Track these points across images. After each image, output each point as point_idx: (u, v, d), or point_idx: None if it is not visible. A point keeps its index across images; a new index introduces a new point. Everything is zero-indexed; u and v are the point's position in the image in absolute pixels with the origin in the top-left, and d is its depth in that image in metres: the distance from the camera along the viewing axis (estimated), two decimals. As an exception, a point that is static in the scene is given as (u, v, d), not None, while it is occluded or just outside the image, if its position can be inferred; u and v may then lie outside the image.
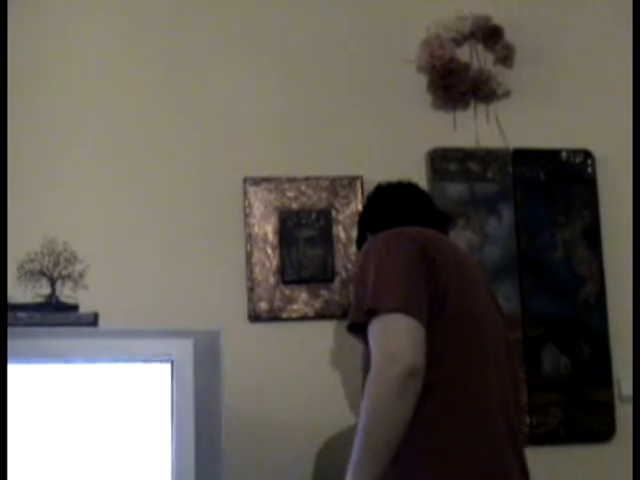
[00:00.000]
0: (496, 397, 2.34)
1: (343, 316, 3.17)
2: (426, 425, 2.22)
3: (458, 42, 3.47)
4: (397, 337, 2.19)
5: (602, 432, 3.38)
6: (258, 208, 3.30)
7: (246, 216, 3.29)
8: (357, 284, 2.37)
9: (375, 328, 2.24)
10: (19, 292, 2.63)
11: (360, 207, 3.29)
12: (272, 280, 3.27)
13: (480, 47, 3.50)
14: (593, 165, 3.51)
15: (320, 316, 3.27)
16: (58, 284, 2.68)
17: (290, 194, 3.33)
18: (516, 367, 2.59)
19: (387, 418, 2.17)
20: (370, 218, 2.79)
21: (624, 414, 3.39)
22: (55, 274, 2.68)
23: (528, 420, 3.27)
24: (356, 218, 3.32)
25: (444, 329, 2.28)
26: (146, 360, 2.46)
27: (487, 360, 2.36)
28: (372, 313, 2.26)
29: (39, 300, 2.66)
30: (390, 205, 2.75)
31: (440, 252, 2.37)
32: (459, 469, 2.22)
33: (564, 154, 3.51)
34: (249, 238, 3.28)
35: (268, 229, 3.30)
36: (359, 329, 2.32)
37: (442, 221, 2.73)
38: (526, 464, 2.41)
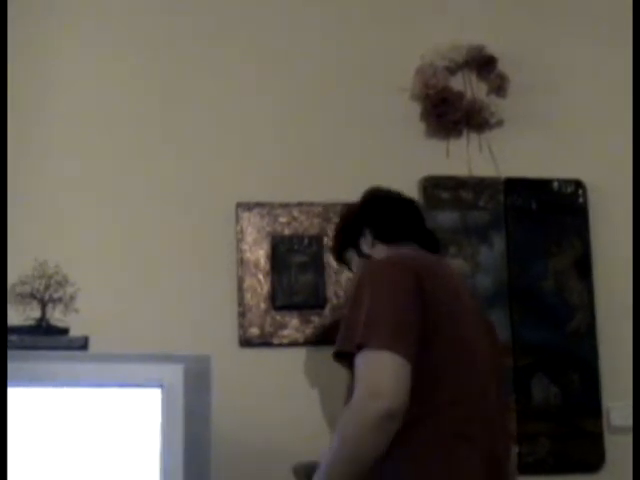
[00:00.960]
0: (479, 426, 2.34)
1: (334, 342, 3.17)
2: (407, 455, 2.23)
3: (452, 71, 3.49)
4: (380, 375, 2.20)
5: (591, 462, 3.37)
6: (250, 233, 3.30)
7: (238, 241, 3.29)
8: (349, 312, 2.36)
9: (361, 361, 2.24)
10: (10, 315, 2.62)
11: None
12: (263, 305, 3.27)
13: (474, 76, 3.52)
14: (584, 195, 3.52)
15: (311, 342, 3.27)
16: (49, 307, 2.68)
17: (282, 220, 3.33)
18: (504, 396, 2.58)
19: (357, 451, 2.21)
20: (368, 223, 2.72)
21: (613, 444, 3.38)
22: (46, 297, 2.68)
23: (517, 449, 3.26)
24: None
25: (432, 360, 2.28)
26: (136, 385, 2.45)
27: (474, 390, 2.36)
28: (361, 346, 2.26)
29: (30, 323, 2.65)
30: (391, 217, 2.71)
31: (435, 281, 2.37)
32: None
33: (556, 184, 3.52)
34: (241, 263, 3.28)
35: (260, 254, 3.30)
36: (345, 357, 2.33)
37: (434, 242, 2.73)
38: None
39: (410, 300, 2.29)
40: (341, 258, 2.84)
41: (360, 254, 2.71)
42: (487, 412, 2.37)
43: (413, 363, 2.22)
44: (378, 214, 2.71)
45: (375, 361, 2.22)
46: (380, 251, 2.63)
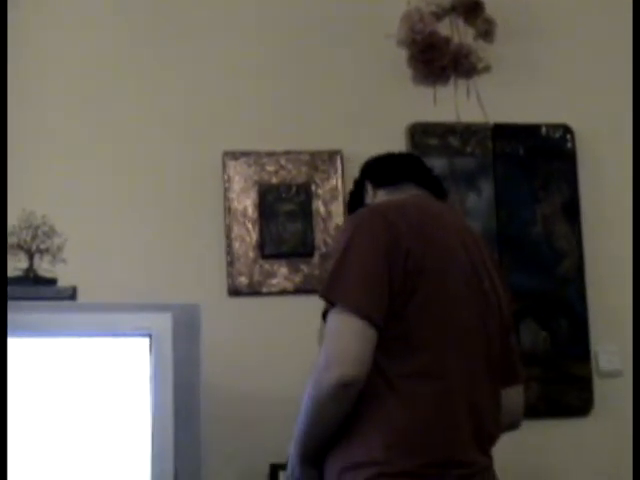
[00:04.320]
0: (460, 387, 2.24)
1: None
2: (384, 417, 2.21)
3: (438, 16, 3.45)
4: (339, 343, 2.16)
5: (580, 406, 3.39)
6: (238, 182, 3.29)
7: (225, 190, 3.28)
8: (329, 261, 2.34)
9: (329, 323, 2.19)
10: (-3, 266, 2.61)
11: (340, 182, 3.30)
12: (252, 255, 3.26)
13: (461, 21, 3.48)
14: (572, 140, 3.51)
15: (300, 290, 3.27)
16: (36, 258, 2.67)
17: (270, 168, 3.32)
18: (497, 366, 2.38)
19: (318, 420, 2.22)
20: (367, 176, 2.61)
21: (602, 388, 3.40)
22: (33, 248, 2.67)
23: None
24: (336, 193, 3.32)
25: (407, 322, 2.21)
26: (125, 334, 2.45)
27: (454, 365, 2.25)
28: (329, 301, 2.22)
29: (17, 274, 2.64)
30: (386, 162, 2.61)
31: (419, 239, 2.25)
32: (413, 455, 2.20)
33: (544, 129, 3.51)
34: (228, 212, 3.27)
35: (247, 203, 3.29)
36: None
37: (440, 187, 2.61)
38: (486, 444, 2.31)
39: (382, 262, 2.19)
40: None
41: None
42: (473, 396, 2.27)
43: (379, 326, 2.16)
44: (374, 163, 2.66)
45: (337, 326, 2.17)
46: (380, 198, 2.54)
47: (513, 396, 2.46)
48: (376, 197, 2.55)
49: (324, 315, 2.25)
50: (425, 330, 2.23)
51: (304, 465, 2.30)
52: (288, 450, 2.32)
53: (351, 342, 2.15)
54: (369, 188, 2.57)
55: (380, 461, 2.16)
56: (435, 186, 2.58)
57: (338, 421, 2.21)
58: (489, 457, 2.33)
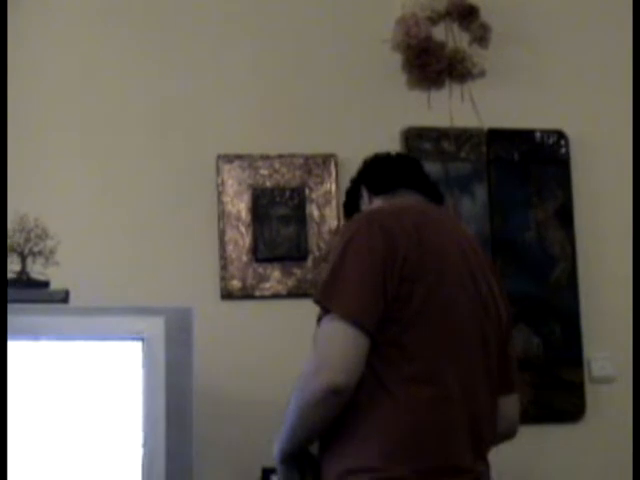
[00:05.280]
0: (457, 393, 2.23)
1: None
2: (381, 423, 2.21)
3: (434, 21, 3.45)
4: (330, 350, 2.15)
5: (572, 412, 3.40)
6: (231, 185, 3.29)
7: (219, 193, 3.28)
8: (324, 268, 2.34)
9: (322, 328, 2.19)
10: (-11, 268, 2.61)
11: (334, 186, 3.29)
12: (245, 258, 3.26)
13: (456, 26, 3.48)
14: (567, 146, 3.51)
15: (293, 294, 3.27)
16: (29, 260, 2.67)
17: (264, 172, 3.32)
18: (493, 368, 2.37)
19: (305, 423, 2.22)
20: (362, 181, 2.60)
21: (594, 394, 3.41)
22: (26, 250, 2.66)
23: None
24: (329, 197, 3.32)
25: (404, 328, 2.20)
26: (117, 337, 2.45)
27: (450, 360, 2.24)
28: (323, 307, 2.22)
29: (10, 276, 2.64)
30: (382, 167, 2.60)
31: (415, 246, 2.24)
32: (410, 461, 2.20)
33: (538, 134, 3.51)
34: (222, 216, 3.27)
35: (241, 207, 3.29)
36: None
37: (436, 192, 2.59)
38: (482, 450, 2.31)
39: (378, 270, 2.18)
40: None
41: None
42: (469, 402, 2.26)
43: (371, 333, 2.16)
44: (370, 169, 2.65)
45: (328, 333, 2.17)
46: (376, 205, 2.53)
47: (509, 404, 2.46)
48: (372, 204, 2.54)
49: (319, 320, 2.25)
50: (422, 336, 2.22)
51: (284, 463, 2.31)
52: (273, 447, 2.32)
53: (342, 349, 2.15)
54: (365, 195, 2.57)
55: (377, 467, 2.16)
56: (432, 191, 2.57)
57: (324, 426, 2.21)
58: (486, 462, 2.33)
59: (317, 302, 2.22)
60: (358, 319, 2.15)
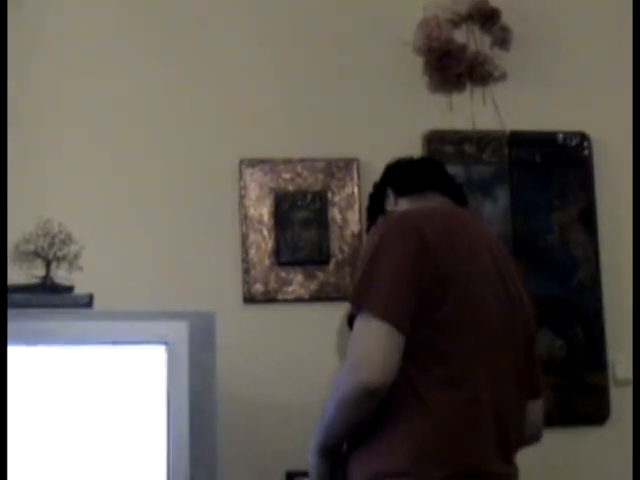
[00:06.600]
0: (487, 397, 2.25)
1: (338, 298, 3.18)
2: (411, 427, 2.21)
3: (455, 24, 3.46)
4: (366, 348, 2.17)
5: (596, 415, 3.38)
6: (254, 190, 3.30)
7: (241, 198, 3.28)
8: (357, 269, 2.34)
9: (357, 327, 2.21)
10: (14, 273, 2.62)
11: (356, 189, 3.30)
12: (267, 262, 3.27)
13: (477, 29, 3.49)
14: (589, 147, 3.50)
15: (315, 298, 3.27)
16: (53, 265, 2.67)
17: (286, 176, 3.32)
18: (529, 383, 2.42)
19: (343, 420, 2.23)
20: (388, 182, 2.64)
21: (618, 397, 3.39)
22: (50, 255, 2.67)
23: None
24: (352, 200, 3.32)
25: (435, 331, 2.22)
26: (141, 342, 2.46)
27: (480, 363, 2.26)
28: (354, 305, 2.24)
29: (34, 281, 2.64)
30: (408, 169, 2.63)
31: (446, 247, 2.26)
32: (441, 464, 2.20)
33: (560, 136, 3.50)
34: (244, 220, 3.27)
35: (264, 211, 3.29)
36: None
37: (462, 194, 2.63)
38: (511, 454, 2.33)
39: (410, 270, 2.20)
40: None
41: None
42: (499, 406, 2.27)
43: (406, 332, 2.17)
44: (396, 170, 2.66)
45: (364, 331, 2.18)
46: (402, 206, 2.55)
47: (535, 409, 2.46)
48: (398, 205, 2.55)
49: (349, 320, 2.27)
50: (454, 338, 2.24)
51: (319, 455, 2.32)
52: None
53: (378, 347, 2.16)
54: (391, 195, 2.58)
55: (406, 471, 2.16)
56: (457, 193, 2.58)
57: (359, 424, 2.22)
58: (514, 467, 2.33)
59: (352, 302, 2.23)
60: (393, 318, 2.16)
